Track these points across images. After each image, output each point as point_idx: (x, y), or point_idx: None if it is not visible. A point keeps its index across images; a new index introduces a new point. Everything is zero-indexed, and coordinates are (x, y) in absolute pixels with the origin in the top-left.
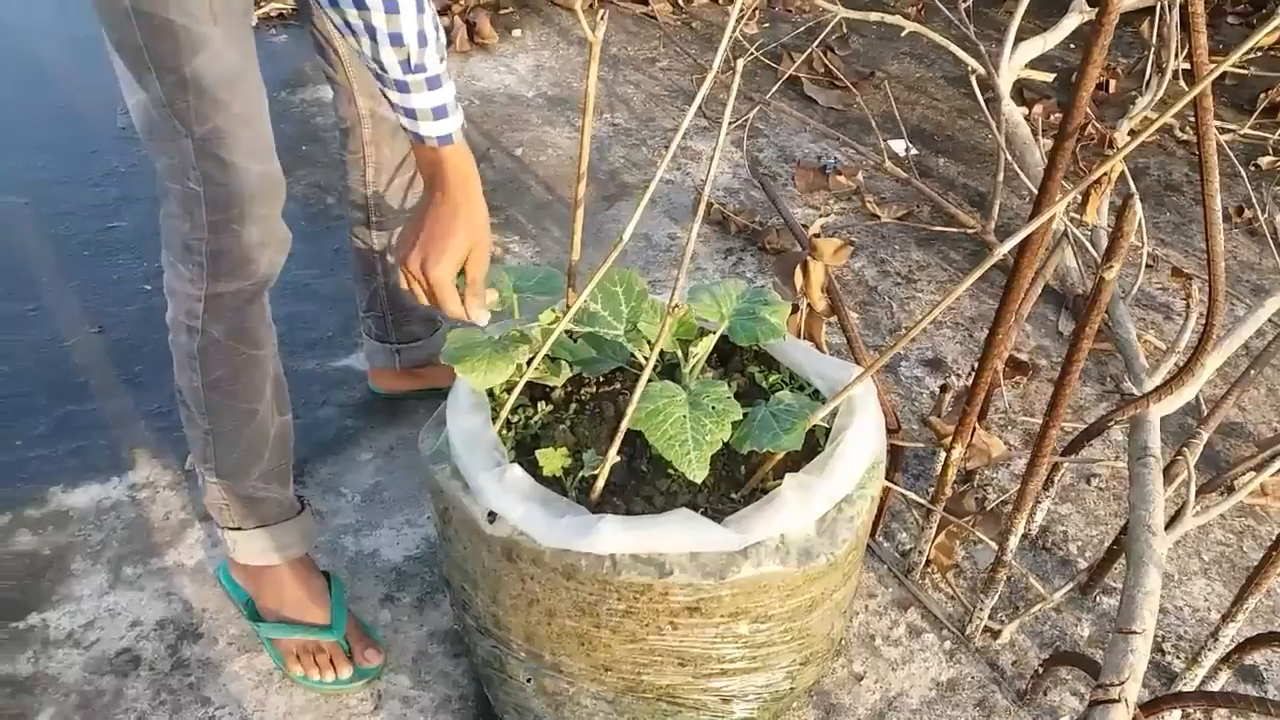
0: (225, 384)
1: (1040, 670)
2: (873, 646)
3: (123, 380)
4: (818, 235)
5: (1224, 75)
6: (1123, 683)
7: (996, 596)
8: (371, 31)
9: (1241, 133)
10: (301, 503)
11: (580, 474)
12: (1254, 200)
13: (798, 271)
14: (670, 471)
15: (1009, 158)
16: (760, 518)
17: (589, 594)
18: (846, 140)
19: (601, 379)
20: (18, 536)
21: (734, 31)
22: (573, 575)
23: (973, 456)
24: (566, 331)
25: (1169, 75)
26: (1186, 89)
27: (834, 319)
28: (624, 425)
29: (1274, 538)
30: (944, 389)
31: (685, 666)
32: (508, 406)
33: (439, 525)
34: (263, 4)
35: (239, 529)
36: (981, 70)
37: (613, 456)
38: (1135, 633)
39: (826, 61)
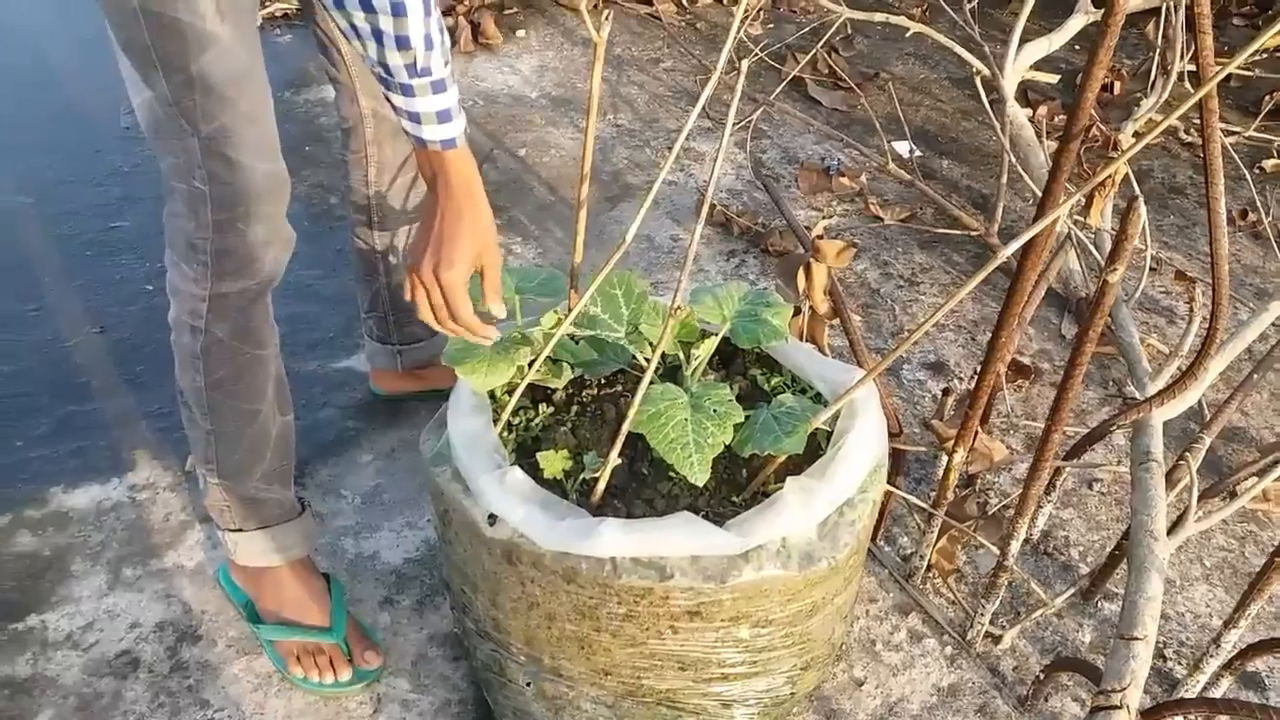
0: (228, 384)
1: (1041, 676)
2: (874, 651)
3: (124, 381)
4: (820, 237)
5: (1229, 77)
6: (1124, 689)
7: (998, 601)
8: (378, 35)
9: (1246, 135)
10: (302, 504)
11: (581, 476)
12: (1258, 203)
13: (800, 273)
14: (671, 474)
15: (1013, 160)
16: (761, 521)
17: (589, 597)
18: (850, 142)
19: (603, 381)
20: (18, 537)
21: (738, 32)
22: (573, 578)
23: (975, 460)
24: (568, 333)
25: (1174, 77)
26: (1191, 91)
27: (836, 321)
28: (625, 428)
29: (1276, 543)
30: (946, 392)
31: (686, 671)
32: (509, 408)
33: (439, 528)
34: (267, 4)
35: (239, 530)
36: (986, 72)
37: (614, 459)
38: (1137, 638)
39: (831, 62)
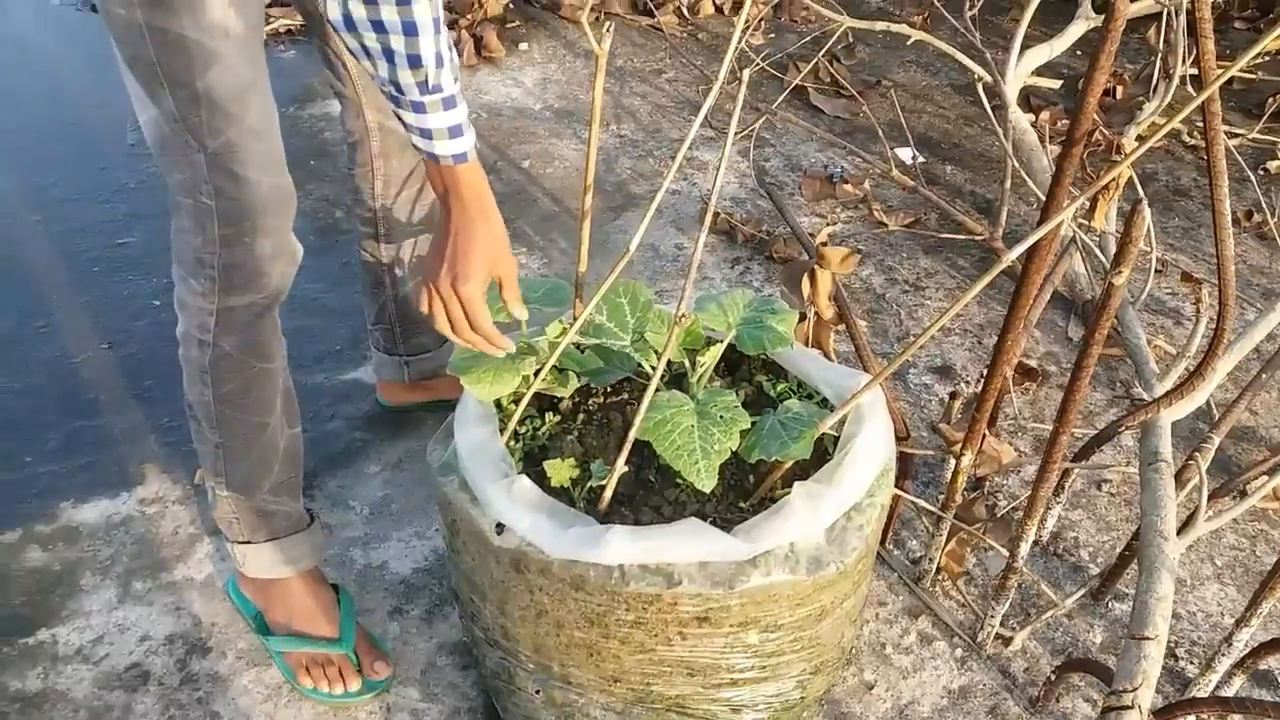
0: (236, 397)
1: (1053, 677)
2: (883, 655)
3: (132, 396)
4: (825, 243)
5: (1232, 80)
6: (1136, 689)
7: (1008, 603)
8: (389, 54)
9: (1250, 137)
10: (311, 515)
11: (588, 484)
12: (1263, 204)
13: (805, 280)
14: (678, 481)
15: (1016, 165)
16: (769, 526)
17: (597, 605)
18: (853, 149)
19: (609, 389)
20: (28, 552)
21: (740, 42)
22: (581, 586)
23: (983, 463)
24: (574, 342)
25: (1176, 81)
26: (1194, 94)
27: (842, 327)
28: (632, 435)
29: None
30: (953, 396)
31: (695, 677)
32: (515, 418)
33: (447, 537)
34: (271, 20)
35: (248, 542)
36: (988, 78)
37: (620, 466)
38: (1148, 638)
39: (833, 71)
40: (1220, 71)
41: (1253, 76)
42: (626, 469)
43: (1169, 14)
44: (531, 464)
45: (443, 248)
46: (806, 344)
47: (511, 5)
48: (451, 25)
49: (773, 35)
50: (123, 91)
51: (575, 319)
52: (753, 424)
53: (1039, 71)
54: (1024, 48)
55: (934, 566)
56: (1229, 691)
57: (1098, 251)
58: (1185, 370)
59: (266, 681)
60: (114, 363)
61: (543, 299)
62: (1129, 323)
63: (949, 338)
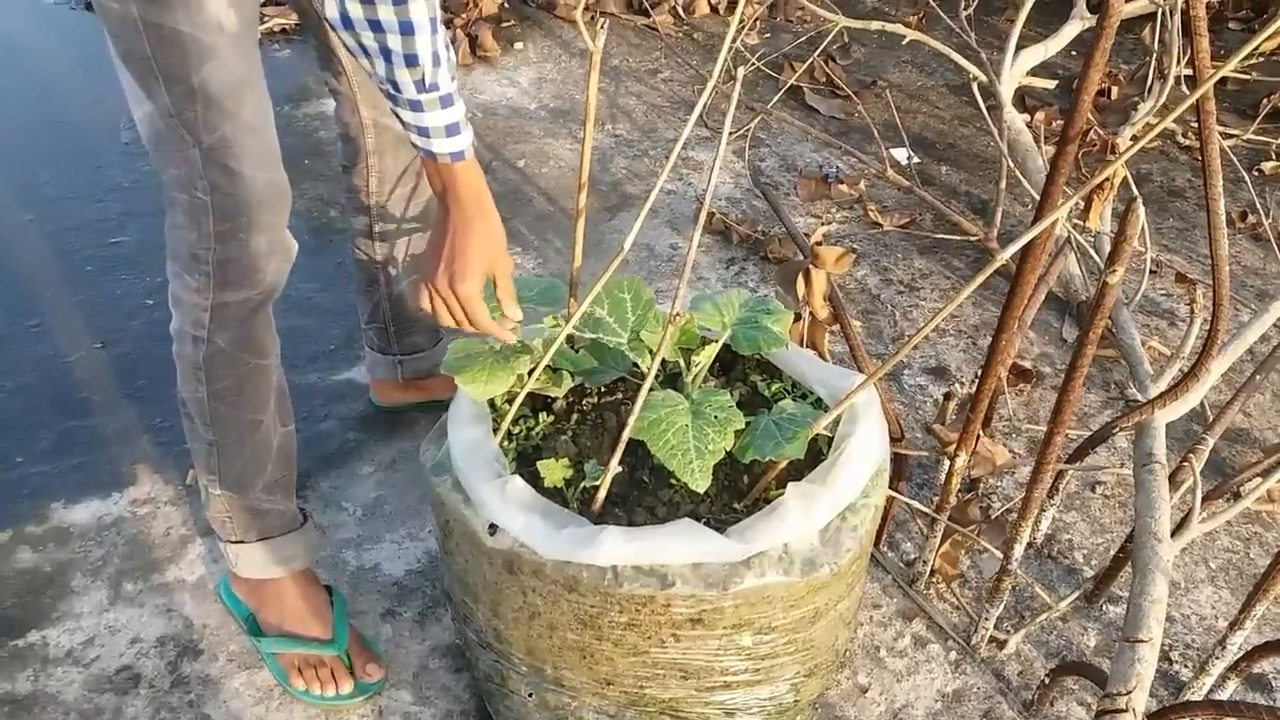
0: (230, 394)
1: (1047, 680)
2: (878, 658)
3: (125, 396)
4: (820, 243)
5: (1226, 81)
6: (1130, 692)
7: (1002, 606)
8: (386, 53)
9: (1245, 138)
10: (304, 515)
11: (582, 485)
12: (1258, 205)
13: (800, 280)
14: (672, 481)
15: (1011, 165)
16: (763, 527)
17: (591, 606)
18: (848, 149)
19: (603, 389)
20: (18, 553)
21: (735, 42)
22: (574, 587)
23: (977, 464)
24: (568, 342)
25: (1171, 81)
26: (1189, 95)
27: (836, 327)
28: (625, 435)
29: None
30: (947, 397)
31: (688, 679)
32: (509, 418)
33: (440, 538)
34: (266, 20)
35: (241, 542)
36: (983, 78)
37: (614, 467)
38: (1142, 641)
39: (828, 71)
40: (1214, 69)
41: (1247, 77)
42: (620, 469)
43: (1163, 14)
44: (525, 464)
45: (440, 246)
46: (801, 344)
47: (506, 4)
48: (446, 24)
49: (768, 35)
50: (116, 90)
51: (569, 317)
52: (747, 424)
53: (1034, 72)
54: (1019, 48)
55: (928, 569)
56: (1223, 695)
57: (1092, 252)
58: (1179, 371)
59: (258, 684)
60: (107, 362)
61: (537, 298)
62: (1123, 323)
63: (943, 338)
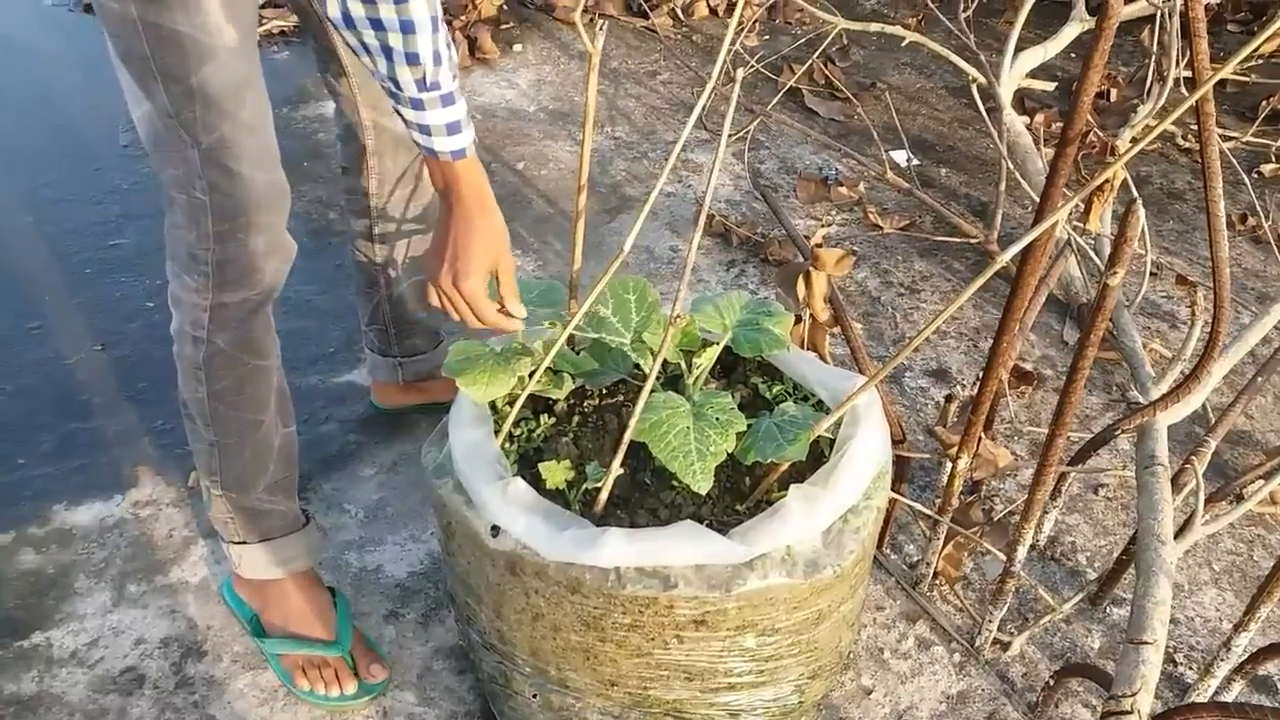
0: (230, 394)
1: (1051, 682)
2: (881, 659)
3: (126, 398)
4: (820, 246)
5: (1225, 83)
6: (1135, 694)
7: (1005, 608)
8: (388, 52)
9: (1244, 140)
10: (306, 516)
11: (584, 487)
12: (1258, 208)
13: (800, 282)
14: (674, 483)
15: (1011, 167)
16: (766, 529)
17: (594, 608)
18: (848, 151)
19: (604, 391)
20: (21, 555)
21: (734, 44)
22: (577, 589)
23: (979, 467)
24: (569, 344)
25: (1170, 83)
26: (1188, 97)
27: (837, 330)
28: (627, 437)
29: None
30: (949, 399)
31: (692, 681)
32: (510, 419)
33: (442, 540)
34: (265, 21)
35: (244, 543)
36: (982, 80)
37: (616, 469)
38: (1147, 643)
39: (827, 73)
40: (1213, 72)
41: (1246, 79)
42: (622, 471)
43: (1162, 16)
44: (527, 466)
45: (443, 245)
46: (802, 346)
47: (505, 7)
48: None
49: (767, 37)
50: (115, 92)
51: (570, 320)
52: (749, 426)
53: (1033, 74)
54: (1018, 50)
55: (931, 571)
56: (1228, 697)
57: (1093, 255)
58: (1181, 374)
59: (262, 685)
60: (107, 365)
61: (537, 300)
62: (1124, 326)
63: (944, 341)
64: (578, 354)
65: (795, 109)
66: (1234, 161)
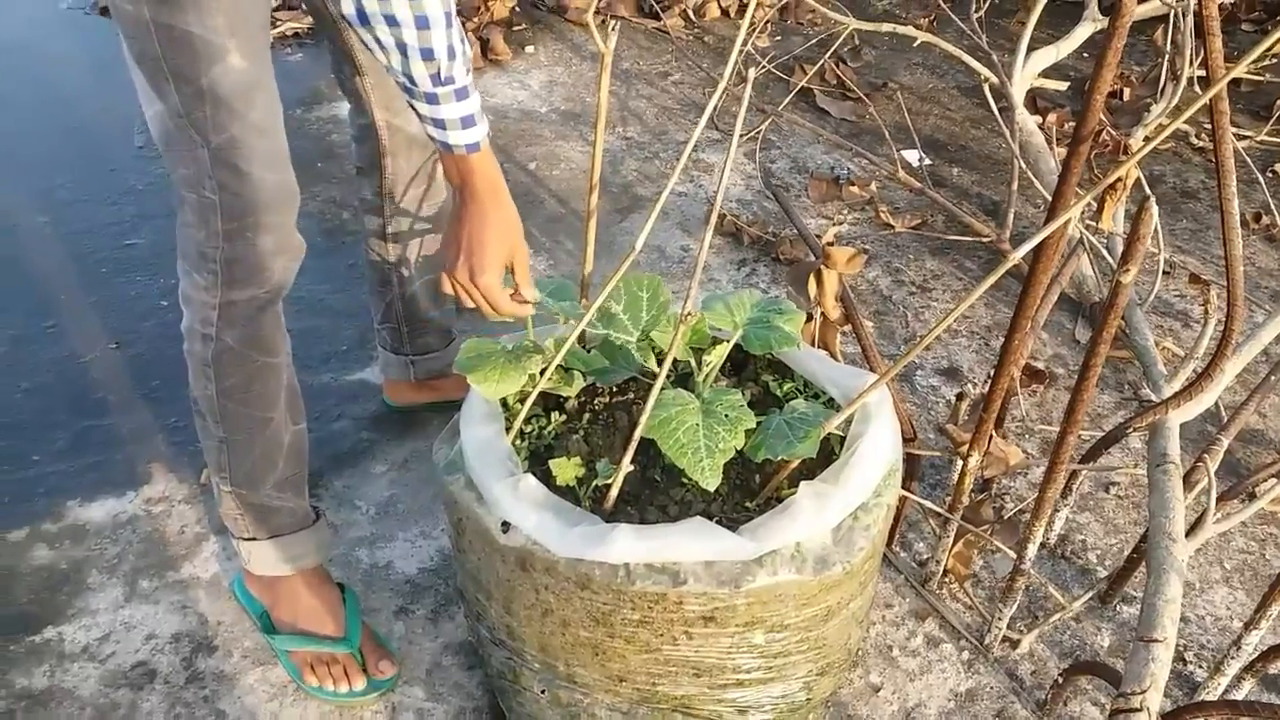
0: (239, 391)
1: (1060, 680)
2: (890, 657)
3: (140, 396)
4: (831, 244)
5: (1239, 82)
6: (1144, 692)
7: (1015, 606)
8: (403, 47)
9: (1258, 139)
10: (317, 513)
11: (594, 483)
12: (1272, 207)
13: (811, 280)
14: (684, 480)
15: (1023, 166)
16: (775, 526)
17: (603, 604)
18: (859, 151)
19: (615, 389)
20: (35, 551)
21: (745, 44)
22: (587, 585)
23: (990, 465)
24: (580, 342)
25: (1184, 82)
26: (1202, 96)
27: (848, 328)
28: (637, 434)
29: None
30: (960, 397)
31: (701, 677)
32: (521, 417)
33: (453, 536)
34: (278, 24)
35: (253, 539)
36: (994, 80)
37: (626, 465)
38: (1157, 641)
39: (839, 73)
40: (1227, 70)
41: (1260, 79)
42: (632, 468)
43: (1176, 15)
44: (537, 463)
45: (458, 239)
46: (813, 344)
47: (518, 8)
48: None
49: (778, 37)
50: (130, 94)
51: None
52: (758, 423)
53: (1046, 73)
54: (1030, 49)
55: (941, 568)
56: (1238, 695)
57: (1105, 253)
58: (1193, 372)
59: (272, 680)
60: (121, 363)
61: (549, 298)
62: (1137, 324)
63: (956, 339)
64: (589, 352)
65: (807, 109)
66: (1248, 160)
